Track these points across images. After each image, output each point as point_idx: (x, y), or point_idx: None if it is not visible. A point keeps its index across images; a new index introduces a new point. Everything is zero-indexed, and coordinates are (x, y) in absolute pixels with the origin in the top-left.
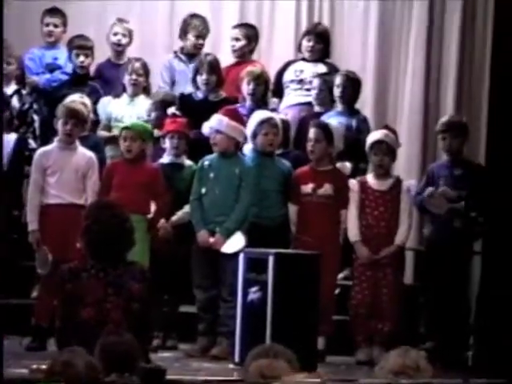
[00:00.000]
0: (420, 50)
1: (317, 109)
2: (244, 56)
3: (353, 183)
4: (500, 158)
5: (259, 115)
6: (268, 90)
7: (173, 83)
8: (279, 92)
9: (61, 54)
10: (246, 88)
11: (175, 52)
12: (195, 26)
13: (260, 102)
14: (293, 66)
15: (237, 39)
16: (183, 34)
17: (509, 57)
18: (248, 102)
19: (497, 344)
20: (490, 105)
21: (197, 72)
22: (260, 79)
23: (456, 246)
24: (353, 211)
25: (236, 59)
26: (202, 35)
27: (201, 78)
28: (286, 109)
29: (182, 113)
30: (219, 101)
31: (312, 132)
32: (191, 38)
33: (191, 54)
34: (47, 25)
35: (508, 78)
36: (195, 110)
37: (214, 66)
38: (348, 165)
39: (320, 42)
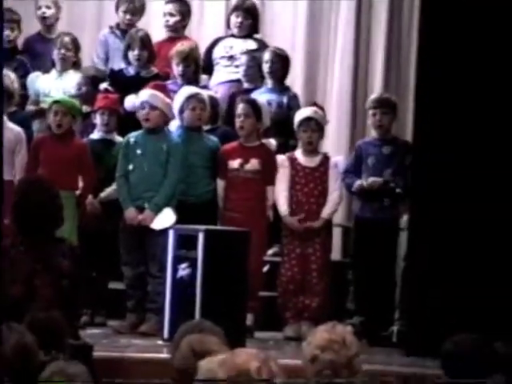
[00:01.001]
0: (349, 26)
1: (246, 85)
2: (177, 32)
3: (282, 159)
4: (426, 137)
5: (186, 91)
6: (199, 67)
7: (107, 59)
8: (209, 69)
9: None
10: (176, 69)
11: (111, 27)
12: (124, 1)
13: (191, 80)
14: (222, 43)
15: (170, 14)
16: (116, 8)
17: (435, 35)
18: (179, 81)
19: (421, 319)
20: (418, 84)
21: (128, 48)
22: (189, 59)
23: (383, 222)
24: (283, 186)
25: (168, 34)
26: (129, 10)
27: (132, 54)
28: (217, 86)
29: (114, 88)
30: (151, 77)
31: (240, 108)
32: (120, 13)
33: (125, 30)
34: None
35: (434, 56)
36: (126, 85)
37: (145, 41)
38: (273, 142)
39: (248, 18)
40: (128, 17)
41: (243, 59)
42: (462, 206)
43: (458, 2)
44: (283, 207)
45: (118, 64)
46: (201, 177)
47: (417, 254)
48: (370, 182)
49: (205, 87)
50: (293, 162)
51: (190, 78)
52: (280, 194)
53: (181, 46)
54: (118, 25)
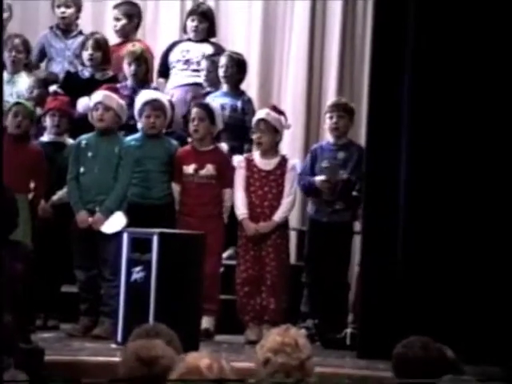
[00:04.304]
0: (303, 31)
1: (208, 89)
2: (127, 35)
3: (239, 160)
4: (379, 141)
5: (144, 96)
6: (149, 69)
7: (43, 58)
8: (166, 72)
9: None
10: (128, 69)
11: (51, 27)
12: None
13: (142, 81)
14: (179, 47)
15: (117, 19)
16: (52, 7)
17: (388, 40)
18: (130, 83)
19: (373, 322)
20: (371, 89)
21: (82, 48)
22: (141, 59)
23: (337, 225)
24: (240, 188)
25: (120, 39)
26: (62, 4)
27: (86, 54)
28: (173, 89)
29: (67, 91)
30: (106, 79)
31: (194, 112)
32: (55, 8)
33: (66, 30)
34: None
35: (387, 61)
36: (81, 88)
37: (100, 42)
38: (224, 146)
39: (204, 22)
40: (62, 9)
41: (203, 64)
42: (415, 210)
43: (409, 6)
44: (241, 210)
45: (60, 64)
46: (157, 182)
47: (370, 258)
48: (331, 175)
49: (156, 89)
50: (249, 163)
51: (142, 79)
52: (237, 196)
53: (133, 47)
54: (57, 25)
